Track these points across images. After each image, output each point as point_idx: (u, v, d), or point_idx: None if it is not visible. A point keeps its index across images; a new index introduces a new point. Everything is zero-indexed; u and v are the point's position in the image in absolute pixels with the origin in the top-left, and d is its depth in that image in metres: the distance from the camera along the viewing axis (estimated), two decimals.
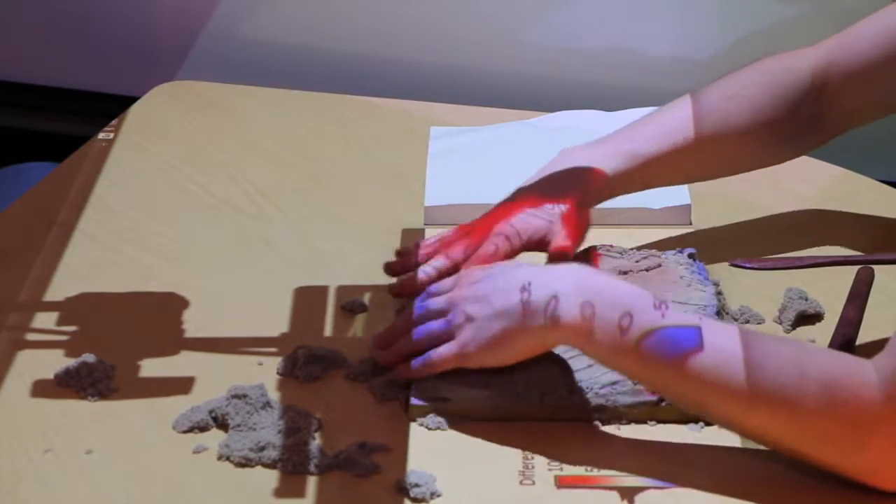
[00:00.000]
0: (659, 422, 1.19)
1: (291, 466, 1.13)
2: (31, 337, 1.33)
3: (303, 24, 2.18)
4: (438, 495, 1.11)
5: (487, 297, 1.18)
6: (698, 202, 1.54)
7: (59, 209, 1.56)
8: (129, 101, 1.85)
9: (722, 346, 1.10)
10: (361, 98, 1.84)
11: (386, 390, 1.23)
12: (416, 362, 1.21)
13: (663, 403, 1.18)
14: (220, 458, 1.15)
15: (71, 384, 1.23)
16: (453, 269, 1.32)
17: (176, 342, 1.32)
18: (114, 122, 1.77)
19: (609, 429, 1.19)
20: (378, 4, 2.14)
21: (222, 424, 1.18)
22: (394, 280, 1.37)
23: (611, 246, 1.37)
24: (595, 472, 1.13)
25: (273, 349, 1.30)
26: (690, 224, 1.53)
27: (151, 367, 1.27)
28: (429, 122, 1.75)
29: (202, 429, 1.18)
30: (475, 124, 1.74)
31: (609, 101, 1.77)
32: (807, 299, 1.35)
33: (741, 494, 1.10)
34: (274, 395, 1.21)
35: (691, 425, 1.18)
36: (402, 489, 1.11)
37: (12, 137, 2.30)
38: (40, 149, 2.10)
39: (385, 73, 2.14)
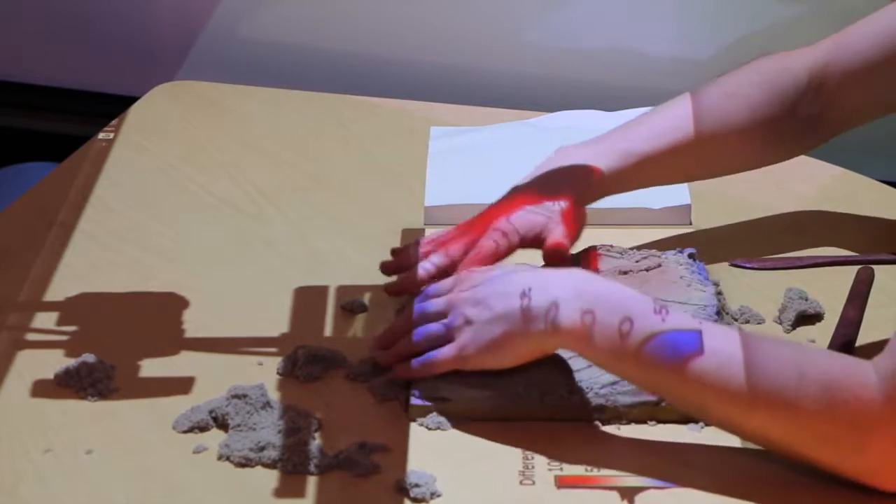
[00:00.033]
0: (659, 422, 1.19)
1: (291, 466, 1.13)
2: (31, 337, 1.33)
3: (303, 24, 2.18)
4: (438, 495, 1.11)
5: (487, 301, 1.18)
6: (698, 202, 1.54)
7: (59, 209, 1.56)
8: (129, 101, 1.85)
9: (722, 348, 1.10)
10: (361, 98, 1.84)
11: (386, 390, 1.23)
12: (415, 363, 1.21)
13: (663, 403, 1.18)
14: (220, 458, 1.15)
15: (71, 384, 1.23)
16: (451, 266, 1.32)
17: (176, 342, 1.32)
18: (114, 122, 1.77)
19: (609, 429, 1.19)
20: (378, 4, 2.14)
21: (222, 424, 1.18)
22: (390, 279, 1.37)
23: (611, 246, 1.37)
24: (595, 472, 1.13)
25: (273, 349, 1.30)
26: (690, 224, 1.53)
27: (151, 367, 1.27)
28: (429, 122, 1.75)
29: (202, 429, 1.18)
30: (475, 124, 1.74)
31: (609, 101, 1.77)
32: (807, 299, 1.35)
33: (741, 494, 1.10)
34: (274, 395, 1.21)
35: (691, 425, 1.18)
36: (402, 489, 1.11)
37: (12, 137, 2.30)
38: (40, 149, 2.10)
39: (385, 73, 2.14)
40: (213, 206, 1.58)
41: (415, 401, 1.20)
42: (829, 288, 1.37)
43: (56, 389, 1.24)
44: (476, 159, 1.63)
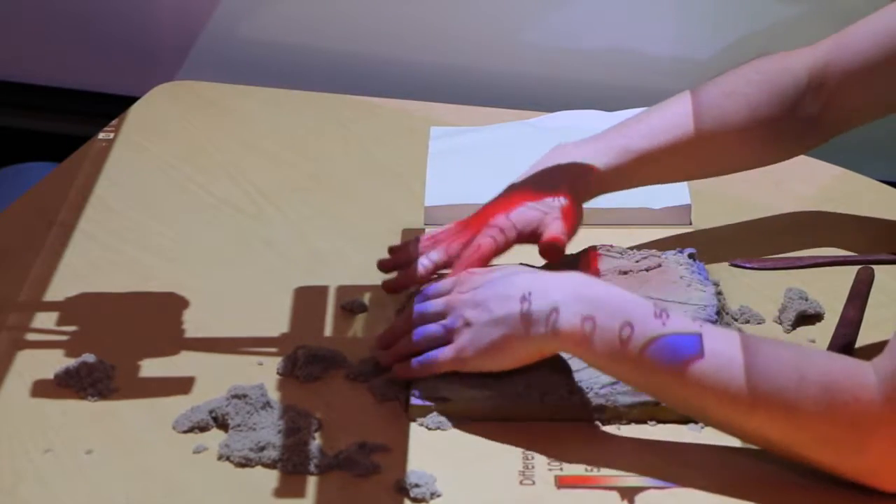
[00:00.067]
0: (659, 422, 1.19)
1: (291, 466, 1.13)
2: (31, 337, 1.33)
3: (303, 24, 2.18)
4: (438, 495, 1.10)
5: (486, 303, 1.18)
6: (698, 202, 1.54)
7: (59, 209, 1.56)
8: (129, 101, 1.85)
9: (722, 351, 1.10)
10: (361, 98, 1.84)
11: (386, 390, 1.23)
12: (414, 362, 1.21)
13: (663, 403, 1.18)
14: (220, 458, 1.15)
15: (71, 384, 1.23)
16: (449, 263, 1.32)
17: (176, 342, 1.32)
18: (114, 122, 1.77)
19: (609, 429, 1.19)
20: (378, 4, 2.14)
21: (222, 424, 1.18)
22: (388, 276, 1.37)
23: (611, 246, 1.37)
24: (595, 472, 1.13)
25: (273, 349, 1.30)
26: (690, 224, 1.53)
27: (151, 367, 1.27)
28: (429, 122, 1.75)
29: (202, 429, 1.18)
30: (475, 124, 1.74)
31: (609, 101, 1.77)
32: (807, 299, 1.35)
33: (741, 494, 1.10)
34: (274, 395, 1.21)
35: (691, 425, 1.18)
36: (402, 489, 1.11)
37: (12, 137, 2.30)
38: (40, 149, 2.10)
39: (385, 73, 2.14)
40: (213, 206, 1.58)
41: (415, 401, 1.20)
42: (829, 288, 1.37)
43: (56, 389, 1.24)
44: (476, 159, 1.64)
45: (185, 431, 1.18)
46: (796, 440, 1.09)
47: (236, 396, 1.19)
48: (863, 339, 1.29)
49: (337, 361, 1.27)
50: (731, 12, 2.04)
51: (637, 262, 1.34)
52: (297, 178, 1.64)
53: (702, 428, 1.17)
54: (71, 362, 1.25)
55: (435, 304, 1.23)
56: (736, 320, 1.33)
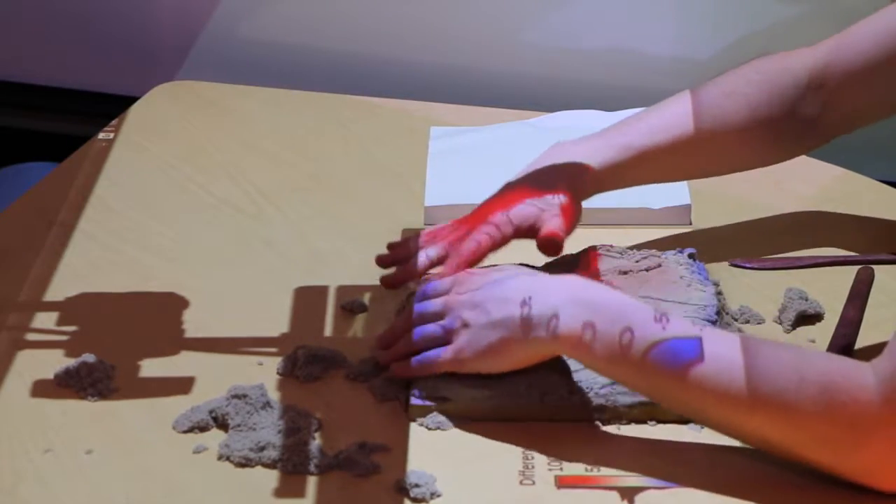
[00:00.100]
0: (659, 422, 1.19)
1: (291, 466, 1.13)
2: (31, 337, 1.33)
3: (303, 24, 2.18)
4: (438, 495, 1.10)
5: (484, 305, 1.18)
6: (698, 202, 1.54)
7: (59, 209, 1.56)
8: (129, 101, 1.85)
9: (722, 354, 1.10)
10: (361, 98, 1.84)
11: (386, 390, 1.23)
12: (413, 361, 1.21)
13: (663, 406, 1.18)
14: (220, 458, 1.15)
15: (71, 384, 1.23)
16: (446, 258, 1.32)
17: (176, 342, 1.32)
18: (114, 122, 1.77)
19: (609, 429, 1.19)
20: (378, 4, 2.14)
21: (222, 424, 1.18)
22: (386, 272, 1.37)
23: (611, 246, 1.37)
24: (595, 472, 1.13)
25: (273, 349, 1.30)
26: (690, 224, 1.53)
27: (151, 367, 1.27)
28: (429, 122, 1.75)
29: (202, 429, 1.18)
30: (475, 124, 1.74)
31: (609, 101, 1.77)
32: (807, 299, 1.35)
33: (741, 494, 1.10)
34: (274, 395, 1.21)
35: (691, 425, 1.18)
36: (402, 489, 1.11)
37: (12, 137, 2.30)
38: (40, 149, 2.10)
39: (385, 73, 2.14)
40: (213, 206, 1.58)
41: (415, 401, 1.20)
42: (829, 288, 1.37)
43: (56, 389, 1.24)
44: (476, 159, 1.64)
45: (185, 431, 1.18)
46: (795, 441, 1.09)
47: (236, 396, 1.19)
48: (863, 339, 1.29)
49: (337, 361, 1.27)
50: (731, 12, 2.04)
51: (637, 262, 1.34)
52: (297, 178, 1.64)
53: (702, 428, 1.17)
54: (71, 362, 1.25)
55: (433, 305, 1.23)
56: (736, 320, 1.33)
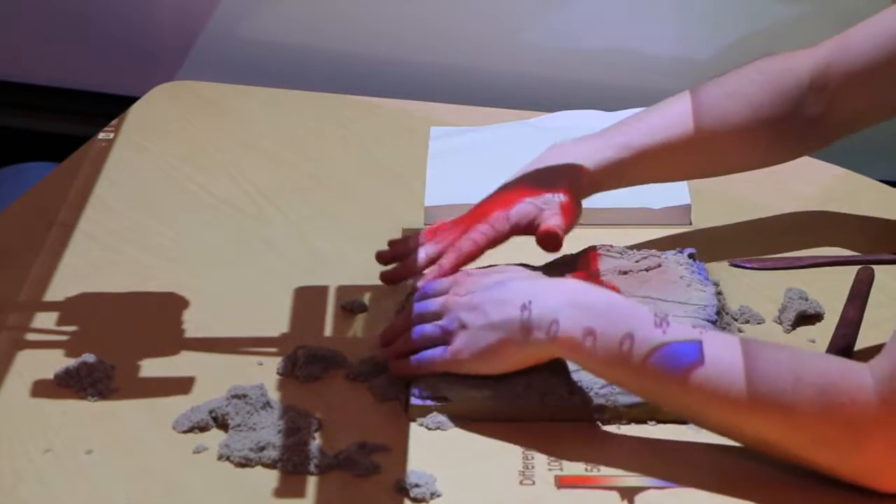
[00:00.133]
0: (659, 422, 1.19)
1: (291, 466, 1.13)
2: (31, 337, 1.33)
3: (303, 24, 2.18)
4: (438, 495, 1.10)
5: (482, 307, 1.19)
6: (698, 202, 1.54)
7: (59, 209, 1.56)
8: (129, 101, 1.85)
9: (722, 357, 1.10)
10: (361, 98, 1.84)
11: (386, 390, 1.23)
12: (412, 360, 1.22)
13: (663, 408, 1.17)
14: (220, 458, 1.15)
15: (71, 384, 1.23)
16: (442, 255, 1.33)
17: (176, 342, 1.32)
18: (114, 122, 1.77)
19: (609, 429, 1.19)
20: (378, 4, 2.14)
21: (222, 424, 1.18)
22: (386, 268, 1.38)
23: (611, 246, 1.37)
24: (595, 472, 1.13)
25: (273, 349, 1.30)
26: (690, 224, 1.53)
27: (151, 367, 1.27)
28: (429, 122, 1.75)
29: (202, 429, 1.18)
30: (475, 124, 1.74)
31: (609, 101, 1.77)
32: (807, 299, 1.35)
33: (741, 494, 1.10)
34: (274, 395, 1.21)
35: (691, 425, 1.18)
36: (402, 489, 1.11)
37: (12, 137, 2.30)
38: (40, 149, 2.10)
39: (385, 73, 2.14)
40: (213, 206, 1.58)
41: (415, 401, 1.20)
42: (829, 288, 1.37)
43: (56, 389, 1.24)
44: (476, 159, 1.63)
45: (185, 431, 1.18)
46: (794, 442, 1.09)
47: (236, 396, 1.19)
48: (863, 339, 1.29)
49: (337, 361, 1.27)
50: (731, 12, 2.04)
51: (637, 262, 1.34)
52: (297, 178, 1.64)
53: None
54: (71, 362, 1.25)
55: (432, 305, 1.24)
56: (736, 320, 1.33)
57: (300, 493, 1.11)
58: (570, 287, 1.18)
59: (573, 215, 1.35)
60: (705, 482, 1.11)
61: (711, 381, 1.09)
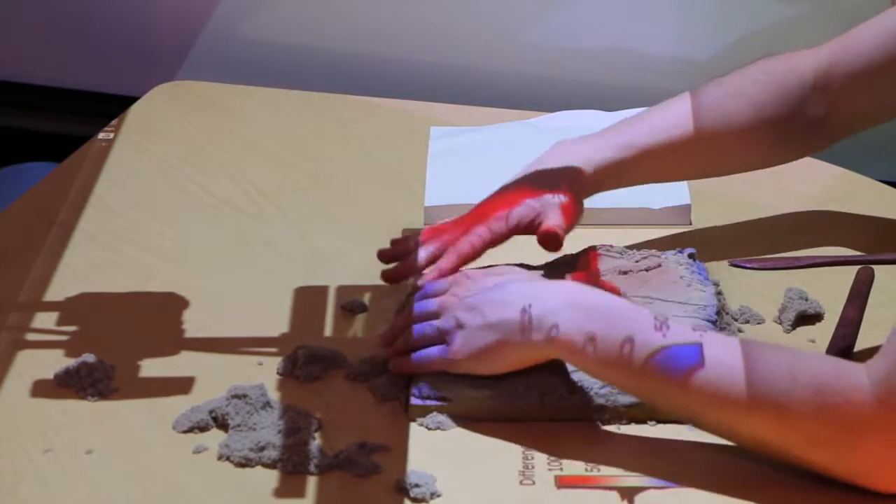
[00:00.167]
0: (659, 422, 1.19)
1: (291, 466, 1.13)
2: (31, 337, 1.33)
3: (303, 24, 2.18)
4: (438, 495, 1.10)
5: (479, 307, 1.19)
6: (698, 202, 1.54)
7: (59, 209, 1.56)
8: (129, 101, 1.85)
9: (722, 359, 1.10)
10: (361, 98, 1.84)
11: (386, 390, 1.23)
12: (412, 358, 1.22)
13: (662, 410, 1.17)
14: (220, 458, 1.15)
15: (71, 384, 1.23)
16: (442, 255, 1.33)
17: (176, 342, 1.32)
18: (114, 122, 1.77)
19: (609, 429, 1.19)
20: (378, 4, 2.14)
21: (222, 424, 1.18)
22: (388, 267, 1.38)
23: (611, 246, 1.37)
24: (595, 472, 1.13)
25: (273, 349, 1.30)
26: (690, 224, 1.53)
27: (151, 367, 1.27)
28: (429, 122, 1.75)
29: (202, 429, 1.18)
30: (475, 124, 1.74)
31: (609, 101, 1.77)
32: (807, 299, 1.35)
33: (741, 494, 1.10)
34: (274, 395, 1.21)
35: (691, 425, 1.18)
36: (402, 489, 1.11)
37: (12, 137, 2.30)
38: (40, 149, 2.10)
39: (385, 73, 2.14)
40: (213, 206, 1.58)
41: (415, 401, 1.20)
42: (829, 288, 1.37)
43: (56, 389, 1.24)
44: (476, 159, 1.64)
45: (185, 431, 1.18)
46: (790, 442, 1.09)
47: (236, 396, 1.19)
48: (863, 339, 1.29)
49: (337, 361, 1.27)
50: (731, 12, 2.04)
51: (637, 262, 1.34)
52: (297, 178, 1.64)
53: None
54: (71, 362, 1.25)
55: (431, 304, 1.24)
56: (736, 320, 1.33)
57: (300, 493, 1.11)
58: (570, 289, 1.18)
59: (574, 215, 1.35)
60: (705, 482, 1.11)
61: (712, 384, 1.09)
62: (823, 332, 1.32)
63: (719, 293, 1.34)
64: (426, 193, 1.57)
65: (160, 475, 1.14)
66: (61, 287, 1.41)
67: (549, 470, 1.13)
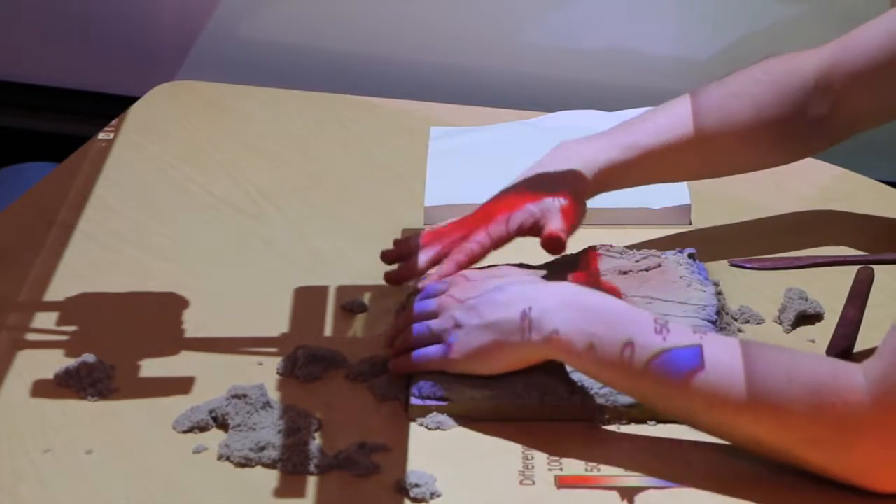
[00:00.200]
0: (659, 422, 1.19)
1: (291, 466, 1.13)
2: (31, 337, 1.33)
3: (303, 24, 2.18)
4: (438, 495, 1.10)
5: (478, 308, 1.19)
6: (698, 202, 1.54)
7: (59, 209, 1.56)
8: (129, 101, 1.85)
9: (721, 360, 1.10)
10: (361, 98, 1.84)
11: (386, 390, 1.23)
12: (413, 356, 1.22)
13: (660, 411, 1.17)
14: (220, 458, 1.15)
15: (71, 384, 1.23)
16: (446, 257, 1.33)
17: (176, 342, 1.32)
18: (114, 122, 1.77)
19: (609, 429, 1.19)
20: (378, 4, 2.14)
21: (222, 424, 1.18)
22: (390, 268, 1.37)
23: (611, 246, 1.37)
24: (595, 472, 1.13)
25: (273, 349, 1.30)
26: (690, 224, 1.53)
27: (151, 367, 1.27)
28: (429, 122, 1.75)
29: (202, 429, 1.18)
30: (475, 124, 1.74)
31: (609, 101, 1.77)
32: (807, 299, 1.35)
33: (741, 494, 1.10)
34: (274, 395, 1.21)
35: (689, 426, 1.17)
36: (402, 489, 1.11)
37: (12, 137, 2.30)
38: (40, 149, 2.10)
39: (385, 73, 2.14)
40: (213, 206, 1.58)
41: (415, 401, 1.20)
42: (829, 288, 1.37)
43: (56, 389, 1.24)
44: (476, 159, 1.63)
45: (185, 431, 1.18)
46: (787, 442, 1.09)
47: (236, 396, 1.19)
48: (863, 339, 1.29)
49: (337, 361, 1.27)
50: (731, 12, 2.04)
51: (637, 262, 1.34)
52: (297, 178, 1.64)
53: None
54: (71, 362, 1.25)
55: (429, 304, 1.24)
56: (736, 320, 1.33)
57: (300, 493, 1.11)
58: (569, 290, 1.18)
59: (575, 217, 1.35)
60: (705, 482, 1.11)
61: (711, 386, 1.10)
62: (823, 332, 1.32)
63: (719, 293, 1.34)
64: (426, 193, 1.57)
65: (160, 475, 1.14)
66: (61, 287, 1.41)
67: (549, 470, 1.13)
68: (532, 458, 1.15)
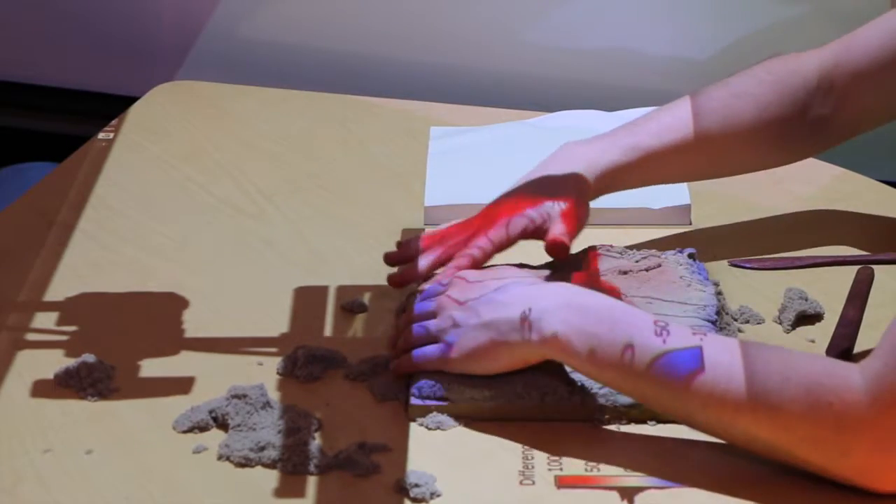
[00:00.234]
0: (659, 422, 1.19)
1: (291, 466, 1.13)
2: (31, 337, 1.33)
3: (303, 24, 2.18)
4: (438, 495, 1.10)
5: (476, 308, 1.19)
6: (698, 202, 1.54)
7: (59, 209, 1.56)
8: (129, 101, 1.85)
9: (721, 361, 1.10)
10: (361, 98, 1.84)
11: (386, 390, 1.23)
12: (413, 356, 1.22)
13: (659, 412, 1.17)
14: (220, 458, 1.15)
15: (71, 384, 1.23)
16: (449, 261, 1.33)
17: (176, 342, 1.32)
18: (114, 122, 1.77)
19: (609, 429, 1.19)
20: (378, 4, 2.14)
21: (222, 424, 1.18)
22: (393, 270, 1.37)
23: (611, 246, 1.37)
24: (595, 471, 1.13)
25: (273, 349, 1.30)
26: (690, 224, 1.53)
27: (151, 367, 1.27)
28: (429, 122, 1.75)
29: (202, 429, 1.18)
30: (475, 124, 1.74)
31: (609, 101, 1.77)
32: (807, 299, 1.35)
33: (741, 494, 1.10)
34: (274, 395, 1.21)
35: (688, 427, 1.17)
36: (402, 489, 1.11)
37: (12, 137, 2.30)
38: (40, 149, 2.10)
39: (385, 73, 2.14)
40: (213, 206, 1.58)
41: (415, 401, 1.20)
42: (829, 288, 1.37)
43: (56, 389, 1.24)
44: (476, 159, 1.63)
45: (185, 431, 1.18)
46: (785, 442, 1.09)
47: (236, 396, 1.19)
48: (863, 339, 1.29)
49: (337, 361, 1.27)
50: (731, 12, 2.04)
51: (637, 262, 1.34)
52: (297, 178, 1.64)
53: None
54: (71, 362, 1.25)
55: (429, 305, 1.24)
56: (736, 320, 1.33)
57: (300, 493, 1.11)
58: (569, 291, 1.18)
59: (578, 220, 1.35)
60: (705, 482, 1.11)
61: (708, 386, 1.10)
62: (823, 332, 1.32)
63: (719, 293, 1.34)
64: (426, 193, 1.57)
65: (160, 475, 1.14)
66: (61, 287, 1.41)
67: (549, 470, 1.13)
68: (532, 458, 1.15)
